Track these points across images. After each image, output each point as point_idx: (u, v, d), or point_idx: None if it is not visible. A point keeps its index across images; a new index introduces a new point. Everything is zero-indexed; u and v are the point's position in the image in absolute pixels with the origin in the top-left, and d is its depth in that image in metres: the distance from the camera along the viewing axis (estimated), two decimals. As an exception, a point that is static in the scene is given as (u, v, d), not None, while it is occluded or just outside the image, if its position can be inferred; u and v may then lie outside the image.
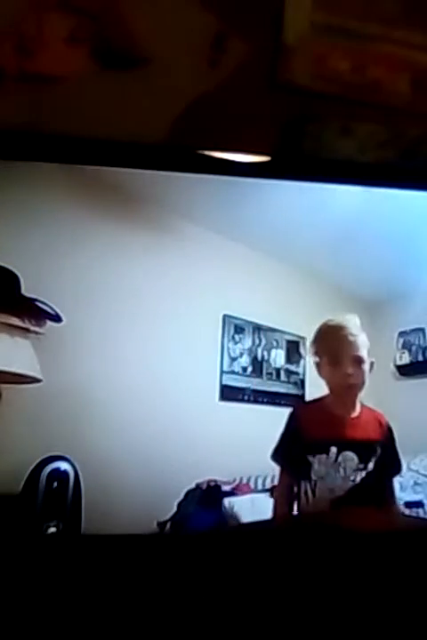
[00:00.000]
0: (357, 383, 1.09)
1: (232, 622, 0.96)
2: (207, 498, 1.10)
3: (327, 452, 1.05)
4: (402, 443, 1.19)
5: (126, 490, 1.06)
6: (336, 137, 1.05)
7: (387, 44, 1.03)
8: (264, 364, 1.26)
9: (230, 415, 1.22)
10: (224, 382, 1.21)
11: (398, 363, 1.29)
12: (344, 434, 1.08)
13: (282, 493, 1.08)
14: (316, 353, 1.12)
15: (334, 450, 1.05)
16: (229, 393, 1.22)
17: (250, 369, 1.25)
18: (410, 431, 1.16)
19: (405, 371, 1.28)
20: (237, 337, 1.24)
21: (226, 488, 1.14)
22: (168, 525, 1.06)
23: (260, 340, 1.27)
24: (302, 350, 1.23)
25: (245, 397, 1.24)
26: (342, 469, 1.04)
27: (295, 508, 1.07)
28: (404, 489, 1.18)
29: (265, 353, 1.26)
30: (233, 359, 1.24)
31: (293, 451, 1.06)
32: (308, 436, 1.07)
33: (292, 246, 1.26)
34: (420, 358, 1.26)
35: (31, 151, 0.93)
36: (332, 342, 1.09)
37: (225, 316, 1.23)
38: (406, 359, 1.28)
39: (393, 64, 1.04)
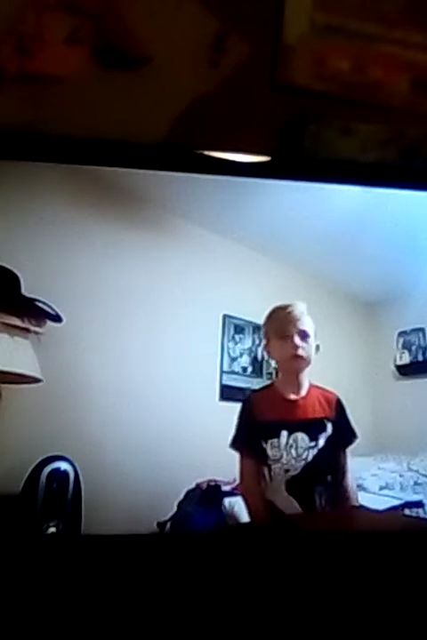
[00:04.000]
0: (303, 356, 1.14)
1: (232, 622, 0.96)
2: (207, 498, 1.10)
3: (278, 435, 1.11)
4: (402, 443, 1.19)
5: (126, 490, 1.06)
6: (337, 137, 1.05)
7: (387, 44, 1.04)
8: (264, 364, 1.26)
9: (230, 415, 1.22)
10: (224, 382, 1.21)
11: (398, 363, 1.29)
12: (293, 415, 1.14)
13: (250, 483, 1.11)
14: (266, 335, 1.18)
15: (284, 433, 1.11)
16: (229, 393, 1.22)
17: (250, 369, 1.25)
18: (410, 431, 1.16)
19: (405, 371, 1.28)
20: (237, 337, 1.24)
21: (226, 488, 1.13)
22: (168, 525, 1.06)
23: (260, 340, 1.27)
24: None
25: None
26: (293, 450, 1.10)
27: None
28: (404, 489, 1.18)
29: (265, 353, 1.26)
30: (233, 359, 1.24)
31: (250, 435, 1.11)
32: (260, 420, 1.12)
33: (292, 246, 1.26)
34: (420, 358, 1.26)
35: (31, 151, 0.93)
36: (279, 320, 1.15)
37: (225, 316, 1.23)
38: (406, 359, 1.28)
39: (393, 64, 1.04)
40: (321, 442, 1.12)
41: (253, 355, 1.26)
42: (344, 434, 1.14)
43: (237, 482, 1.14)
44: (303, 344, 1.13)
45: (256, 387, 1.25)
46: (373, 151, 1.07)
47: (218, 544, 1.01)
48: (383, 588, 1.01)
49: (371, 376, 1.24)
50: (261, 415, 1.12)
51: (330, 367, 1.21)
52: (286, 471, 1.10)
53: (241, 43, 1.00)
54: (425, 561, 1.03)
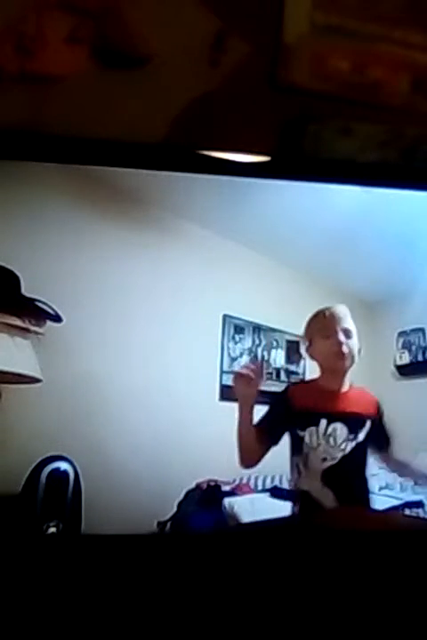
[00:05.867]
0: (347, 353, 1.14)
1: (232, 622, 0.96)
2: (207, 498, 1.10)
3: (317, 424, 1.10)
4: (402, 442, 1.19)
5: (126, 490, 1.06)
6: (336, 137, 1.05)
7: (387, 44, 1.03)
8: (264, 364, 1.26)
9: (230, 415, 1.22)
10: (224, 382, 1.21)
11: (398, 363, 1.29)
12: (333, 407, 1.13)
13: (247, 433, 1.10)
14: (308, 337, 1.17)
15: (323, 422, 1.10)
16: (229, 393, 1.22)
17: (250, 369, 1.25)
18: (410, 431, 1.16)
19: (405, 371, 1.28)
20: (237, 337, 1.24)
21: (226, 488, 1.14)
22: (168, 525, 1.06)
23: (260, 340, 1.27)
24: (302, 350, 1.23)
25: (246, 397, 1.24)
26: (332, 439, 1.10)
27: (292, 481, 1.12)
28: (404, 489, 1.18)
29: (265, 353, 1.26)
30: (233, 359, 1.24)
31: (278, 421, 1.12)
32: (298, 408, 1.12)
33: (292, 246, 1.26)
34: (420, 358, 1.26)
35: (31, 151, 0.93)
36: (322, 320, 1.15)
37: (225, 316, 1.23)
38: (406, 359, 1.28)
39: (393, 64, 1.04)
40: (361, 436, 1.11)
41: (253, 355, 1.26)
42: (379, 438, 1.15)
43: (238, 482, 1.14)
44: (348, 341, 1.14)
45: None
46: (373, 151, 1.07)
47: (218, 544, 1.01)
48: (384, 588, 1.01)
49: (371, 376, 1.23)
50: (300, 404, 1.13)
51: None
52: (323, 460, 1.10)
53: (241, 42, 1.00)
54: (425, 561, 1.03)
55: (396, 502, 1.16)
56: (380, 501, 1.15)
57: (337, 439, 1.10)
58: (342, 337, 1.13)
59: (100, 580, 0.95)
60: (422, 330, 1.26)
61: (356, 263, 1.26)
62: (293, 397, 1.14)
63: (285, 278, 1.30)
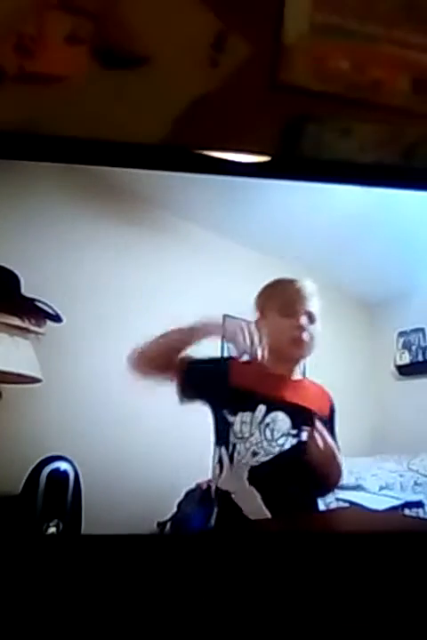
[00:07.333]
0: (306, 342, 0.98)
1: (232, 622, 0.96)
2: (207, 498, 1.09)
3: (254, 409, 0.93)
4: (402, 443, 1.19)
5: (126, 490, 1.06)
6: (336, 137, 1.05)
7: (387, 44, 1.04)
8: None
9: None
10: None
11: (398, 363, 1.29)
12: (278, 393, 0.96)
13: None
14: (261, 308, 1.00)
15: (262, 408, 0.93)
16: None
17: (250, 369, 1.25)
18: (410, 431, 1.16)
19: (405, 371, 1.28)
20: (237, 337, 1.24)
21: (226, 488, 1.13)
22: (168, 525, 1.06)
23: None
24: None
25: (245, 397, 1.24)
26: (269, 431, 0.92)
27: (213, 480, 0.94)
28: (404, 489, 1.18)
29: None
30: (233, 359, 1.23)
31: (207, 382, 0.93)
32: (234, 385, 0.94)
33: (292, 246, 1.26)
34: (420, 358, 1.26)
35: (31, 151, 0.93)
36: (285, 293, 0.99)
37: (225, 316, 1.23)
38: (406, 359, 1.28)
39: (393, 64, 1.04)
40: (304, 435, 0.94)
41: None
42: None
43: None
44: (310, 327, 0.98)
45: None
46: (372, 151, 1.07)
47: (218, 544, 1.01)
48: (383, 589, 1.01)
49: (371, 376, 1.23)
50: (237, 380, 0.94)
51: (330, 367, 1.21)
52: (254, 454, 0.92)
53: (241, 42, 1.00)
54: (425, 561, 1.03)
55: (396, 502, 1.16)
56: (380, 501, 1.15)
57: (275, 432, 0.91)
58: (304, 320, 0.97)
59: (100, 580, 0.95)
60: (422, 330, 1.26)
61: (356, 263, 1.26)
62: (232, 370, 0.95)
63: (285, 278, 1.30)
